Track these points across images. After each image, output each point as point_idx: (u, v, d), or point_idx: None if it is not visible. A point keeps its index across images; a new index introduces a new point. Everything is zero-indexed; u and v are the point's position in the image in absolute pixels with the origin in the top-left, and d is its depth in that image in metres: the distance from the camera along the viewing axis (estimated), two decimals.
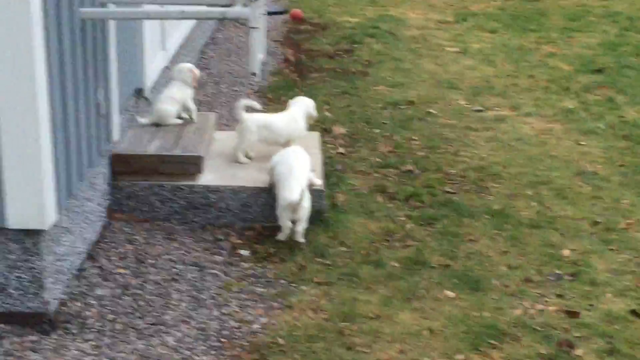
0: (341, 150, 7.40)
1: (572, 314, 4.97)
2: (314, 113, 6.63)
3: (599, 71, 10.08)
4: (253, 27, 4.85)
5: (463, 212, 6.26)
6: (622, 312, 5.02)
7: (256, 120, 6.29)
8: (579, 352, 4.61)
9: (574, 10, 13.49)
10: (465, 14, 13.25)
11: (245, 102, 6.36)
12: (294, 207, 5.53)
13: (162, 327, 4.65)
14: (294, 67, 9.97)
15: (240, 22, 4.95)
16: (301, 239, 5.64)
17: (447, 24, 12.63)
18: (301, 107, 6.53)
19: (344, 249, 5.66)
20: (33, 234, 4.38)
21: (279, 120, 6.37)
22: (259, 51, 5.03)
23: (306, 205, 5.61)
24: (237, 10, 4.84)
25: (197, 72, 6.58)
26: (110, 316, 4.70)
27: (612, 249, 5.82)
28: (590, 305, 5.11)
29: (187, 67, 6.52)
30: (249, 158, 6.32)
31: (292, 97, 8.72)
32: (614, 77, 9.86)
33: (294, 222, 5.61)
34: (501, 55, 10.83)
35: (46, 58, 4.27)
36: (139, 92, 6.67)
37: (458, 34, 11.98)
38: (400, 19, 12.78)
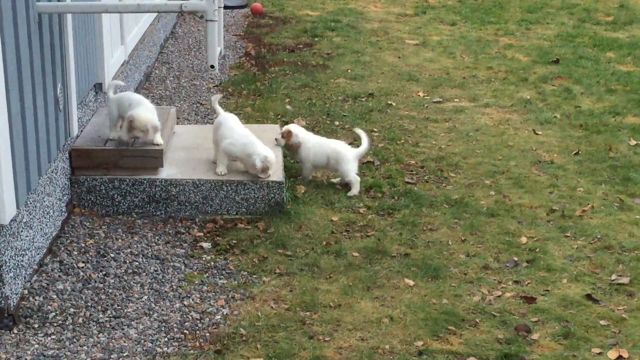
0: None
1: (529, 300, 5.07)
2: None
3: (556, 62, 10.23)
4: (210, 20, 4.87)
5: (422, 202, 6.34)
6: (578, 296, 5.13)
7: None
8: (535, 336, 4.71)
9: (531, 3, 13.68)
10: (425, 7, 13.37)
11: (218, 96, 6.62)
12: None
13: (123, 320, 4.66)
14: (254, 60, 9.99)
15: (199, 16, 4.95)
16: None
17: (407, 17, 12.72)
18: None
19: (305, 239, 5.71)
20: None
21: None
22: (217, 44, 5.05)
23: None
24: (194, 3, 4.87)
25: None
26: (72, 310, 4.70)
27: (567, 236, 5.93)
28: (547, 290, 5.21)
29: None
30: None
31: (253, 91, 8.79)
32: (570, 67, 10.02)
33: None
34: (460, 48, 10.95)
35: (2, 51, 4.25)
36: (98, 87, 6.65)
37: (418, 27, 12.08)
38: (360, 13, 12.85)
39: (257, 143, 6.05)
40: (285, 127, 6.74)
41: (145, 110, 5.90)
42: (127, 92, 6.35)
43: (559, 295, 5.14)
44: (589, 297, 5.12)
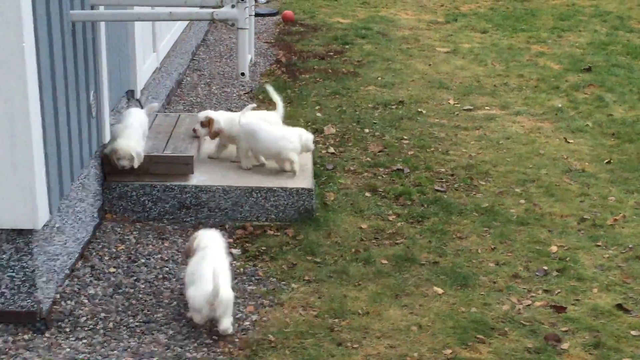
0: (332, 149, 7.46)
1: (559, 309, 5.04)
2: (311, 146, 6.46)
3: (588, 70, 10.16)
4: (241, 28, 4.91)
5: (452, 210, 6.33)
6: (608, 306, 5.09)
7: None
8: (565, 346, 4.68)
9: (564, 10, 13.58)
10: (456, 14, 13.34)
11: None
12: None
13: (153, 325, 4.71)
14: (285, 68, 10.03)
15: (229, 24, 4.99)
16: None
17: (438, 25, 12.70)
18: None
19: (334, 246, 5.72)
20: (25, 234, 4.43)
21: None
22: (247, 52, 5.09)
23: None
24: (225, 11, 4.91)
25: None
26: (103, 315, 4.76)
27: (598, 245, 5.89)
28: (577, 300, 5.18)
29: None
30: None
31: (283, 98, 8.82)
32: (602, 75, 9.94)
33: None
34: (491, 55, 10.90)
35: (37, 60, 4.32)
36: (130, 94, 6.72)
37: (449, 34, 12.05)
38: (391, 20, 12.85)
39: None
40: (204, 114, 6.43)
41: (126, 140, 5.80)
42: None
43: (590, 305, 5.10)
44: (619, 307, 5.08)
